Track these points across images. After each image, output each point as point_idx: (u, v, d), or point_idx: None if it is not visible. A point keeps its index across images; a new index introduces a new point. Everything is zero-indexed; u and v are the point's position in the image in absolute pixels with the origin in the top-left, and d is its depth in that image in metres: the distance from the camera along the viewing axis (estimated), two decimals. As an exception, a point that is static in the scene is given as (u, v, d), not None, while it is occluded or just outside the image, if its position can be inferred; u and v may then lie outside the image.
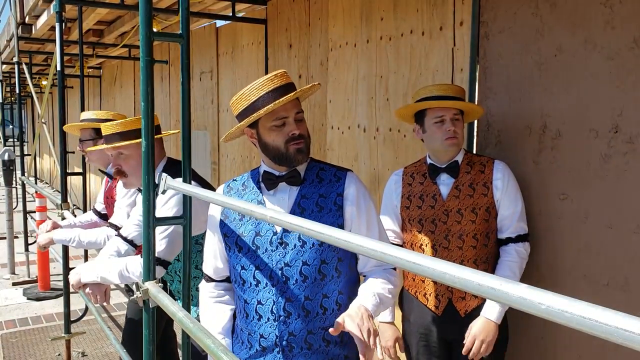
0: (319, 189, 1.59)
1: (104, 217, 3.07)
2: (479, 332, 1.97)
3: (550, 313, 0.58)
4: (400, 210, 2.20)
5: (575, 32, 2.02)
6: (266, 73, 4.36)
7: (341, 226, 1.55)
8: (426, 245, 2.12)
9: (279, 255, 1.54)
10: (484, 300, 2.05)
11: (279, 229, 1.55)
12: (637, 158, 1.84)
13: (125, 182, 2.34)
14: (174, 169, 2.22)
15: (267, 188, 1.61)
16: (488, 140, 2.41)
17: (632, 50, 1.84)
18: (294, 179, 1.59)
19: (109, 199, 2.91)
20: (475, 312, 2.06)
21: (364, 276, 1.66)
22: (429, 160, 2.17)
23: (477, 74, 2.46)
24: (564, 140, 2.08)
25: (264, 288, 1.55)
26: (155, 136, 2.25)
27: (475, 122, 2.48)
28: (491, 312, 1.99)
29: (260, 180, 1.63)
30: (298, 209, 1.56)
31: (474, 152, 2.47)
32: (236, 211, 1.46)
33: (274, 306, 1.54)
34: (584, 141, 2.00)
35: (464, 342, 2.00)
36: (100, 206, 3.10)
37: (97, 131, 2.91)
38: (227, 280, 1.71)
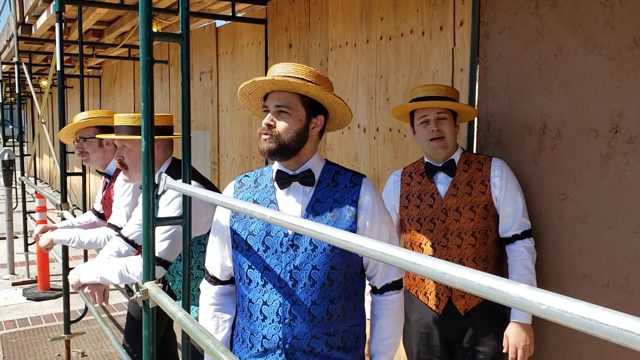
0: (334, 193, 1.55)
1: (103, 217, 3.07)
2: (516, 340, 1.98)
3: (550, 313, 0.58)
4: (399, 210, 2.21)
5: (575, 32, 2.02)
6: (266, 73, 4.37)
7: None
8: (425, 244, 2.12)
9: (288, 257, 1.51)
10: (484, 299, 2.05)
11: (290, 231, 1.51)
12: (637, 158, 1.84)
13: (126, 174, 2.35)
14: (178, 169, 2.22)
15: (279, 187, 1.58)
16: (488, 140, 2.41)
17: (632, 50, 1.84)
18: (307, 180, 1.55)
19: (107, 200, 2.90)
20: (475, 311, 2.06)
21: (372, 285, 1.64)
22: (425, 160, 2.18)
23: (477, 74, 2.46)
24: (564, 140, 2.08)
25: (271, 289, 1.53)
26: (166, 137, 2.27)
27: (475, 122, 2.48)
28: (519, 315, 1.99)
29: (274, 178, 1.60)
30: (312, 213, 1.53)
31: (474, 152, 2.47)
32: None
33: (280, 308, 1.51)
34: (584, 141, 2.00)
35: (504, 351, 2.01)
36: (98, 206, 3.09)
37: (100, 129, 2.90)
38: (231, 281, 1.68)
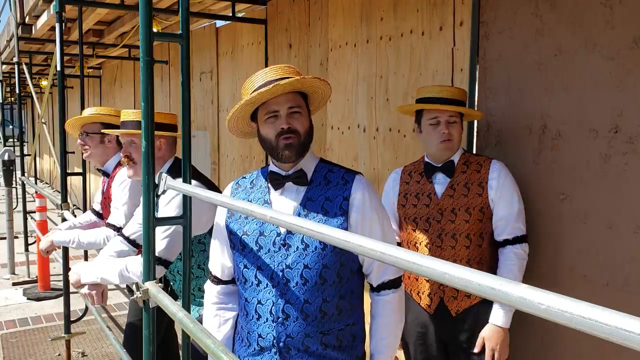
0: (326, 191, 1.56)
1: (102, 217, 3.07)
2: (494, 342, 1.97)
3: (550, 313, 0.58)
4: (397, 208, 2.21)
5: (575, 32, 2.02)
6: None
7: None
8: (420, 244, 2.12)
9: (281, 256, 1.53)
10: (477, 302, 2.05)
11: (282, 230, 1.53)
12: (637, 158, 1.84)
13: (133, 171, 2.35)
14: (179, 168, 2.23)
15: (274, 188, 1.59)
16: (488, 140, 2.41)
17: (632, 50, 1.84)
18: (300, 179, 1.56)
19: (106, 199, 2.91)
20: (467, 313, 2.06)
21: (369, 283, 1.64)
22: (425, 159, 2.18)
23: (477, 74, 2.46)
24: (564, 140, 2.08)
25: (264, 288, 1.54)
26: (165, 134, 2.28)
27: (475, 122, 2.48)
28: (498, 318, 1.98)
29: (268, 179, 1.61)
30: (303, 212, 1.54)
31: (474, 152, 2.46)
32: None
33: (273, 307, 1.53)
34: (584, 141, 2.00)
35: (476, 350, 2.01)
36: (98, 206, 3.09)
37: (105, 126, 2.91)
38: (233, 281, 1.70)
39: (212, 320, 1.70)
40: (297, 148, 1.53)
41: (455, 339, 2.09)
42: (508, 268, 2.02)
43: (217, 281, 1.71)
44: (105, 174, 2.98)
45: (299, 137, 1.53)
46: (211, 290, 1.72)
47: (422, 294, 2.13)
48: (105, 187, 2.96)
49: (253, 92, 1.52)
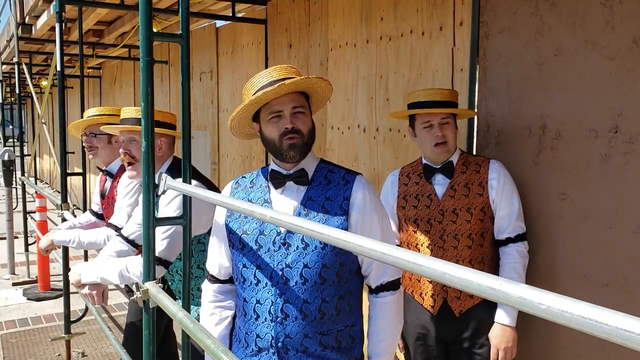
0: (326, 191, 1.56)
1: (102, 218, 3.07)
2: (499, 342, 1.99)
3: (550, 313, 0.58)
4: (397, 210, 2.21)
5: (575, 32, 2.02)
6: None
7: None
8: (422, 245, 2.12)
9: (280, 255, 1.53)
10: (479, 301, 2.05)
11: (282, 229, 1.53)
12: (637, 158, 1.84)
13: (134, 170, 2.34)
14: (179, 167, 2.23)
15: (274, 187, 1.60)
16: (488, 140, 2.41)
17: (632, 50, 1.84)
18: (301, 179, 1.56)
19: (110, 199, 2.90)
20: (470, 313, 2.06)
21: (367, 285, 1.64)
22: (424, 161, 2.18)
23: (477, 74, 2.46)
24: (564, 140, 2.08)
25: (263, 288, 1.54)
26: (169, 132, 2.28)
27: (475, 122, 2.48)
28: (503, 317, 1.99)
29: (268, 178, 1.62)
30: (303, 211, 1.54)
31: (474, 152, 2.47)
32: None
33: (272, 307, 1.52)
34: (584, 141, 2.00)
35: (491, 355, 2.02)
36: (96, 207, 3.09)
37: None
38: (230, 280, 1.70)
39: (208, 319, 1.71)
40: (301, 148, 1.54)
41: (458, 338, 2.09)
42: (511, 266, 2.03)
43: (214, 280, 1.71)
44: (109, 174, 2.97)
45: (303, 137, 1.54)
46: (208, 289, 1.72)
47: (425, 295, 2.13)
48: (109, 188, 2.96)
49: (257, 91, 1.52)
